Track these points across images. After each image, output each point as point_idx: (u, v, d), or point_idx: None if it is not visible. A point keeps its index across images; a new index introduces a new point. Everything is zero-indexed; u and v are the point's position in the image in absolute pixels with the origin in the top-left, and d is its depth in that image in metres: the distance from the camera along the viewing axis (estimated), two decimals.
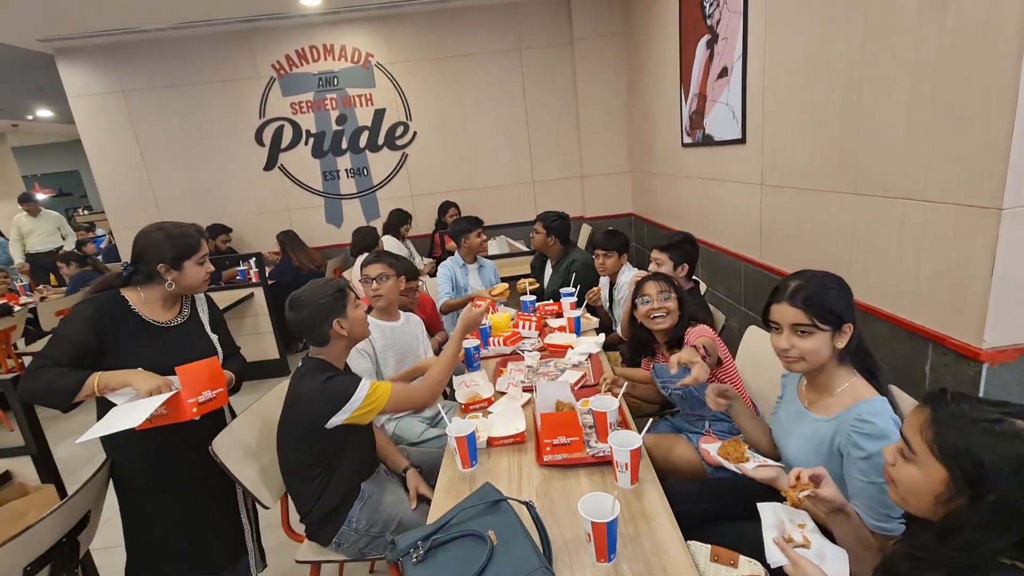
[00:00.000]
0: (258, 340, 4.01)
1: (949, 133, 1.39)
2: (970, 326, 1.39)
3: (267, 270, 4.08)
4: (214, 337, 1.58)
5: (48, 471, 1.63)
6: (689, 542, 1.14)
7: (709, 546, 1.12)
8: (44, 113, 7.63)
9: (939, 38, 1.38)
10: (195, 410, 1.33)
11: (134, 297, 1.45)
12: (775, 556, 0.90)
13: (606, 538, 1.02)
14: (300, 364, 1.50)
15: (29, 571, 1.18)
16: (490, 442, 1.52)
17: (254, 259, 3.98)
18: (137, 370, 1.32)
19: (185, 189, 4.75)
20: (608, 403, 1.46)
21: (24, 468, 1.65)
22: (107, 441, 1.46)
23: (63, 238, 6.21)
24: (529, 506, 1.13)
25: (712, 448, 1.24)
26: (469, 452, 1.41)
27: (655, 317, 1.67)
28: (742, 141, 2.52)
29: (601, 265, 2.55)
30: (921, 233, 1.52)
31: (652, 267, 2.18)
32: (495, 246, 4.30)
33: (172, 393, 1.30)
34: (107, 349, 1.37)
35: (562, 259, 2.97)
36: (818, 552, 0.93)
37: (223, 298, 3.81)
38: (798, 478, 0.98)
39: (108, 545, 1.60)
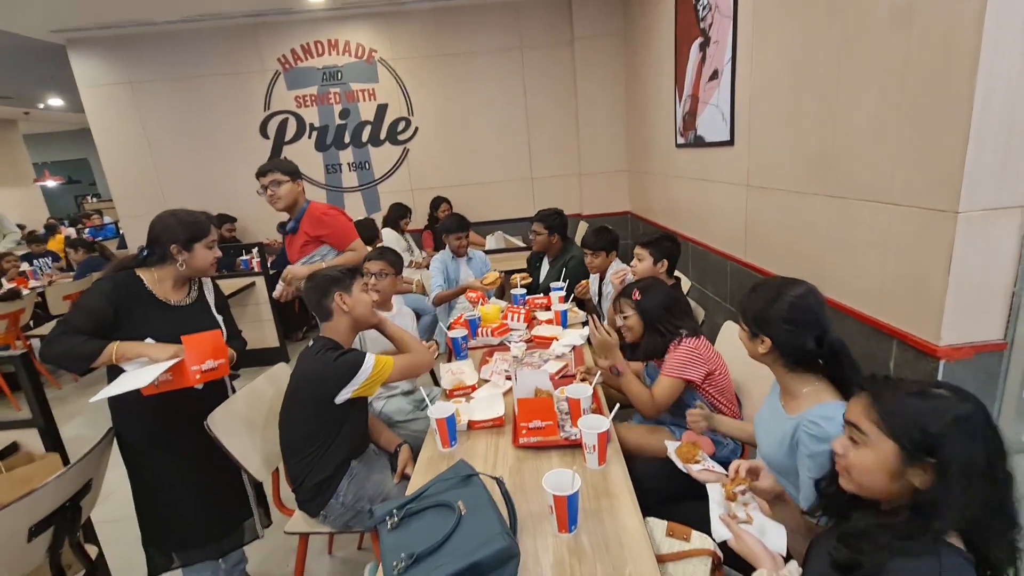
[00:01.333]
0: (259, 328, 4.11)
1: (912, 138, 1.45)
2: (928, 324, 1.46)
3: (268, 260, 4.18)
4: (219, 318, 1.69)
5: (53, 442, 1.73)
6: (647, 518, 1.22)
7: (665, 522, 1.20)
8: (55, 102, 7.75)
9: (905, 47, 1.44)
10: (198, 376, 1.43)
11: (148, 277, 1.56)
12: (720, 531, 0.99)
13: (567, 510, 1.09)
14: (311, 342, 1.60)
15: (34, 531, 1.27)
16: (470, 425, 1.60)
17: (256, 248, 4.08)
18: (152, 342, 1.44)
19: (190, 179, 4.85)
20: (582, 390, 1.54)
21: (31, 440, 1.74)
22: (114, 410, 1.57)
23: (2, 237, 6.10)
24: (499, 481, 1.21)
25: (671, 445, 1.35)
26: (449, 433, 1.49)
27: (622, 332, 1.80)
28: (730, 143, 2.58)
29: (590, 263, 2.62)
30: (886, 234, 1.58)
31: (634, 262, 2.25)
32: (492, 241, 4.38)
33: (178, 360, 1.40)
34: (122, 323, 1.48)
35: (560, 255, 3.03)
36: (759, 527, 1.01)
37: (226, 285, 3.91)
38: (737, 471, 1.07)
39: (114, 518, 1.68)
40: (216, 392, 1.64)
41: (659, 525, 1.20)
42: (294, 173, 2.30)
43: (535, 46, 4.70)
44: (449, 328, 2.28)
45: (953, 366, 1.44)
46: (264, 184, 2.25)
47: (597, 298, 2.72)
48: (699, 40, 2.84)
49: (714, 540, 1.08)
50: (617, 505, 1.21)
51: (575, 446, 1.44)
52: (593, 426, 1.32)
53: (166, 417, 1.56)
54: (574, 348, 2.09)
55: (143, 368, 1.39)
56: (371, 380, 1.51)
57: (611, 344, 1.68)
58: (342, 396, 1.49)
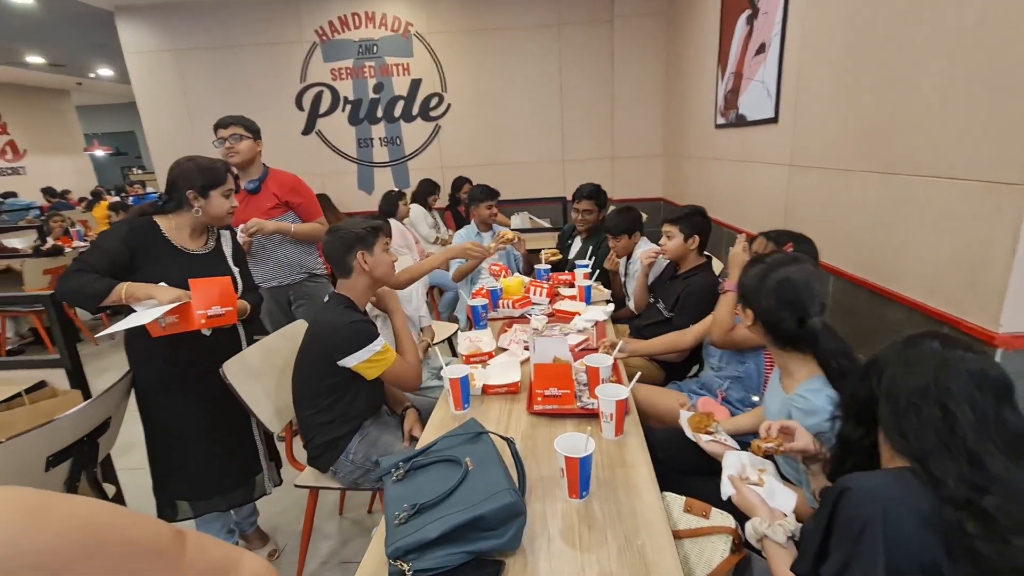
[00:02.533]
0: None
1: (983, 106, 1.32)
2: (987, 309, 1.34)
3: None
4: (235, 269, 1.69)
5: (79, 383, 1.77)
6: (664, 492, 1.16)
7: (684, 498, 1.13)
8: (104, 71, 8.01)
9: (981, 4, 1.31)
10: (203, 321, 1.44)
11: (166, 224, 1.57)
12: (726, 488, 0.94)
13: (579, 474, 1.04)
14: (326, 298, 1.59)
15: (52, 461, 1.29)
16: (485, 390, 1.55)
17: None
18: (160, 284, 1.44)
19: None
20: (602, 359, 1.47)
21: (59, 380, 1.79)
22: (130, 355, 1.58)
23: None
24: (510, 442, 1.16)
25: (685, 414, 1.29)
26: (462, 395, 1.45)
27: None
28: (774, 120, 2.44)
29: (613, 247, 2.53)
30: (943, 212, 1.46)
31: (663, 240, 2.16)
32: (517, 221, 4.32)
33: (183, 302, 1.41)
34: (137, 266, 1.49)
35: (596, 233, 2.92)
36: (768, 490, 0.96)
37: None
38: (768, 430, 1.01)
39: (140, 467, 1.71)
40: (229, 343, 1.64)
41: (677, 500, 1.14)
42: (256, 132, 2.26)
43: (573, 23, 4.57)
44: (471, 298, 2.24)
45: (1011, 355, 1.31)
46: (224, 136, 2.18)
47: (623, 278, 2.63)
48: (747, 12, 2.69)
49: (739, 521, 1.02)
50: (633, 476, 1.15)
51: (591, 416, 1.38)
52: (611, 394, 1.26)
53: (178, 363, 1.56)
54: (596, 323, 2.02)
55: (150, 309, 1.39)
56: (373, 362, 1.48)
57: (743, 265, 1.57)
58: (346, 362, 1.46)
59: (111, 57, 6.86)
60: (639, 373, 1.31)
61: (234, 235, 1.77)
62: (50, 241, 4.81)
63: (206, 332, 1.54)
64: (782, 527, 0.88)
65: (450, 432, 1.19)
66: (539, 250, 2.86)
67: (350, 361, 1.46)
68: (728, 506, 1.05)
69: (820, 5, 2.05)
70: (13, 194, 8.10)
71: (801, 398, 1.13)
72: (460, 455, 1.07)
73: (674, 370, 2.12)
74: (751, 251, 1.67)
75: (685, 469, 1.31)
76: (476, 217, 3.06)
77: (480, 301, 2.13)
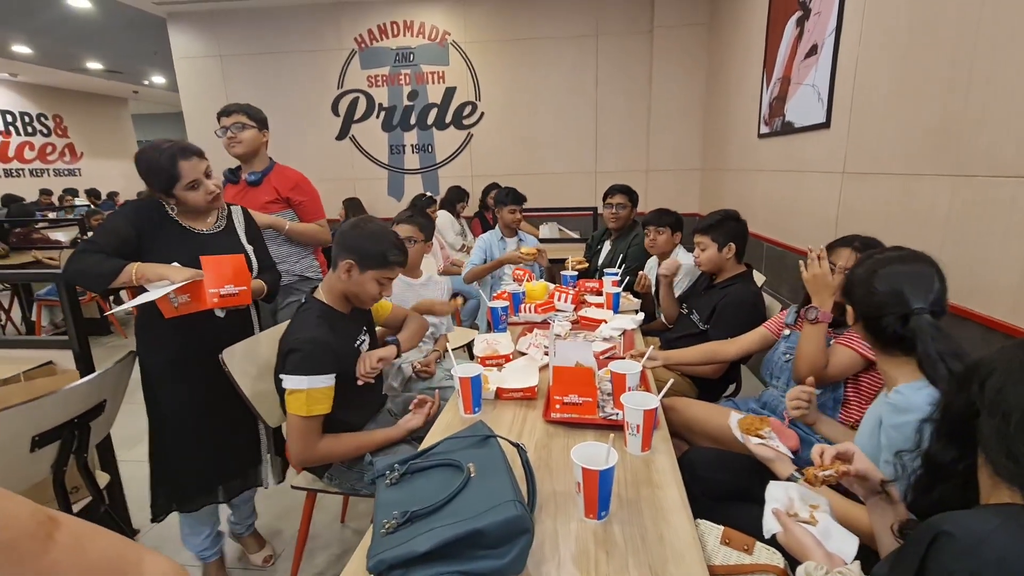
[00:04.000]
0: None
1: None
2: None
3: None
4: (249, 248, 1.61)
5: (86, 366, 1.72)
6: (698, 520, 0.99)
7: (721, 528, 0.97)
8: (158, 79, 8.39)
9: None
10: (216, 300, 1.36)
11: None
12: (770, 524, 0.78)
13: (597, 490, 0.89)
14: (303, 299, 1.48)
15: (37, 441, 1.22)
16: (498, 393, 1.42)
17: None
18: (172, 264, 1.37)
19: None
20: (630, 366, 1.33)
21: (66, 362, 1.75)
22: (139, 337, 1.52)
23: None
24: (520, 448, 1.03)
25: (735, 416, 1.14)
26: (473, 397, 1.32)
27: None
28: (826, 125, 2.27)
29: (652, 242, 2.39)
30: None
31: (696, 252, 2.00)
32: (546, 231, 4.20)
33: (194, 280, 1.34)
34: (146, 247, 1.42)
35: (625, 233, 2.79)
36: (823, 531, 0.79)
37: None
38: (821, 455, 0.85)
39: (144, 459, 1.62)
40: (241, 327, 1.57)
41: (713, 531, 0.97)
42: (262, 122, 2.09)
43: (611, 33, 4.50)
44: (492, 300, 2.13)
45: None
46: (226, 124, 2.02)
47: (655, 287, 2.46)
48: (797, 14, 2.55)
49: (787, 558, 0.85)
50: (661, 498, 0.99)
51: (615, 428, 1.23)
52: (639, 403, 1.11)
53: (188, 346, 1.48)
54: (624, 332, 1.87)
55: (162, 287, 1.32)
56: (295, 396, 1.27)
57: (831, 285, 1.39)
58: (284, 381, 1.28)
59: (164, 65, 7.17)
60: (672, 380, 1.16)
61: (248, 214, 1.70)
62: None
63: (220, 313, 1.47)
64: None
65: (455, 434, 1.06)
66: (564, 259, 2.73)
67: (286, 381, 1.28)
68: (775, 542, 0.88)
69: None
70: (74, 191, 8.45)
71: (897, 394, 0.97)
72: (463, 460, 0.94)
73: (708, 388, 1.94)
74: (838, 268, 1.45)
75: (727, 495, 1.14)
76: (500, 221, 2.96)
77: (500, 303, 2.01)
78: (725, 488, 1.15)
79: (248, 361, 1.47)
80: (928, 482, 0.71)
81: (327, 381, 1.30)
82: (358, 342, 1.51)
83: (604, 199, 2.80)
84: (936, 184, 1.60)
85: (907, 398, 0.94)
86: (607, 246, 2.88)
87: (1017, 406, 0.59)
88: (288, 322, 1.47)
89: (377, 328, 1.73)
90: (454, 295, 3.59)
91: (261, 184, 2.10)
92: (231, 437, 1.61)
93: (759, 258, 3.02)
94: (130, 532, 1.93)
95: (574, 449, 0.94)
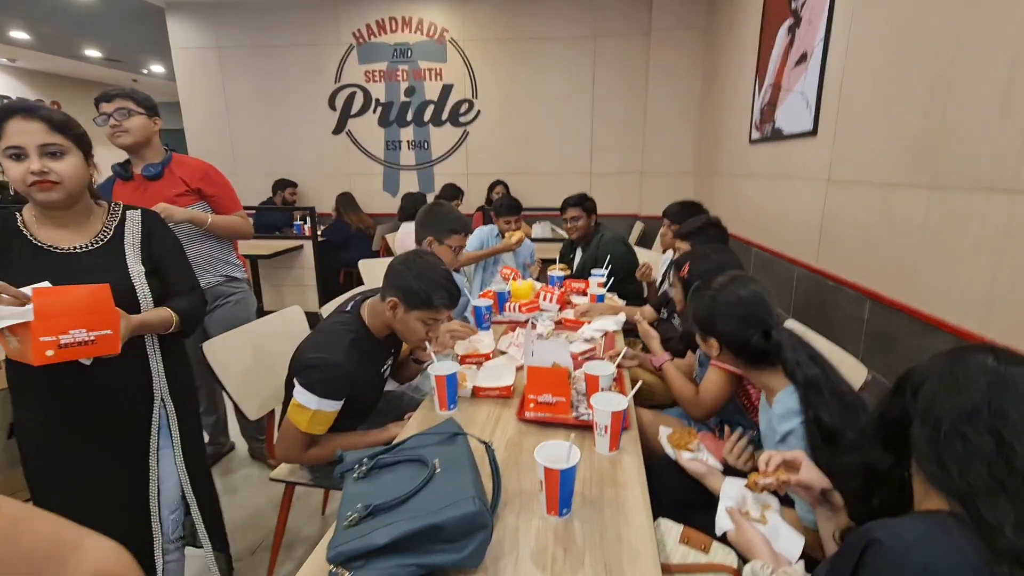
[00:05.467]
0: (300, 292, 4.15)
1: None
2: None
3: (320, 228, 4.24)
4: (139, 270, 1.20)
5: None
6: (660, 519, 1.02)
7: (681, 526, 0.99)
8: (157, 68, 8.36)
9: None
10: (50, 353, 0.95)
11: (28, 216, 1.15)
12: (723, 522, 0.81)
13: (558, 489, 0.92)
14: (349, 306, 1.41)
15: None
16: (475, 392, 1.44)
17: (308, 212, 4.13)
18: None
19: (260, 145, 5.02)
20: (604, 367, 1.35)
21: None
22: (10, 388, 1.18)
23: None
24: (488, 446, 1.05)
25: (665, 429, 1.21)
26: (448, 394, 1.34)
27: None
28: (813, 133, 2.29)
29: (665, 236, 2.43)
30: (1004, 230, 1.29)
31: (675, 256, 2.03)
32: (539, 230, 4.22)
33: (17, 321, 0.93)
34: None
35: (592, 238, 2.84)
36: (773, 530, 0.82)
37: (274, 246, 3.99)
38: (767, 463, 0.87)
39: None
40: (139, 363, 1.20)
41: (672, 530, 1.00)
42: (152, 108, 1.82)
43: (609, 35, 4.51)
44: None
45: None
46: (107, 111, 1.71)
47: (661, 280, 2.48)
48: (789, 21, 2.56)
49: (715, 535, 0.88)
50: (624, 497, 1.01)
51: (587, 428, 1.25)
52: (607, 404, 1.13)
53: (58, 404, 1.14)
54: (605, 334, 1.89)
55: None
56: (295, 412, 1.25)
57: (653, 335, 1.57)
58: (295, 391, 1.25)
59: (163, 55, 7.14)
60: (640, 382, 1.18)
61: (155, 219, 1.29)
62: None
63: (86, 362, 1.06)
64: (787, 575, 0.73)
65: (425, 431, 1.08)
66: (552, 260, 2.77)
67: (297, 393, 1.24)
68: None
69: (867, 7, 1.91)
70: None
71: (778, 404, 1.08)
72: (429, 456, 0.96)
73: None
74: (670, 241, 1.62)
75: (690, 502, 1.17)
76: (498, 226, 3.00)
77: (485, 302, 2.03)
78: (692, 495, 1.18)
79: (224, 353, 1.49)
80: (866, 489, 0.73)
81: (334, 406, 1.28)
82: (384, 368, 1.49)
83: (560, 214, 2.86)
84: (914, 195, 1.63)
85: (785, 405, 1.04)
86: (579, 254, 2.94)
87: (947, 414, 0.61)
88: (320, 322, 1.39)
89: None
90: None
91: (163, 177, 1.82)
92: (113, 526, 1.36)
93: (747, 262, 3.04)
94: None
95: (539, 448, 0.96)
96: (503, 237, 2.96)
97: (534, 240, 3.78)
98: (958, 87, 1.45)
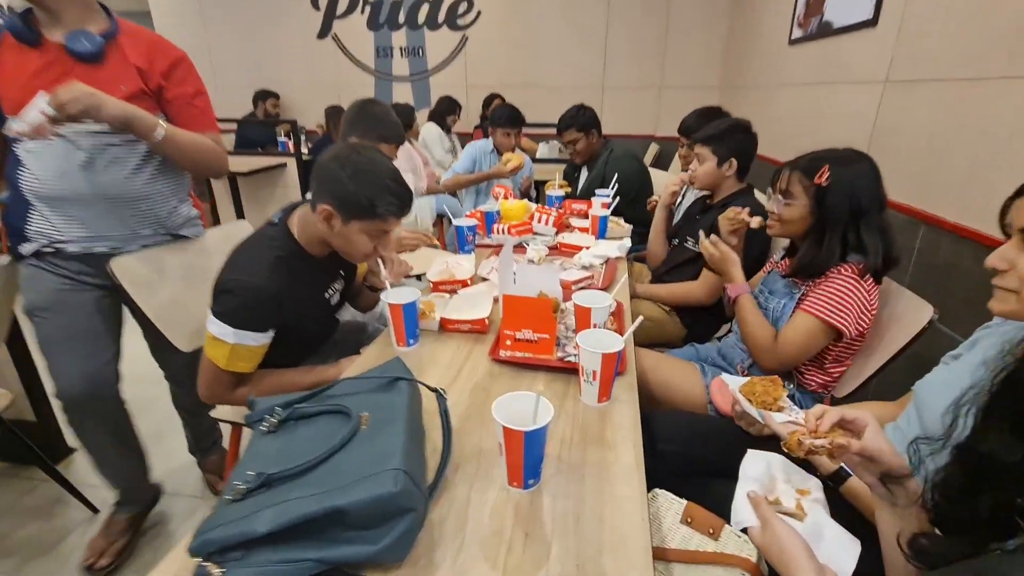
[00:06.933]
0: None
1: None
2: None
3: (307, 146, 3.88)
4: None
5: None
6: (656, 491, 0.80)
7: (684, 502, 0.77)
8: None
9: None
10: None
11: None
12: (743, 513, 0.57)
13: (522, 456, 0.69)
14: (276, 216, 1.12)
15: None
16: (443, 324, 1.20)
17: (291, 125, 3.76)
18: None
19: (240, 51, 4.54)
20: (598, 298, 1.09)
21: None
22: None
23: None
24: (439, 394, 0.82)
25: (734, 381, 0.88)
26: (407, 326, 1.10)
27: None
28: (872, 23, 1.88)
29: (685, 159, 2.07)
30: None
31: (692, 165, 1.70)
32: (544, 150, 3.84)
33: None
34: None
35: (600, 155, 2.47)
36: (813, 530, 0.57)
37: (256, 163, 3.67)
38: (819, 418, 0.62)
39: None
40: None
41: (673, 505, 0.78)
42: None
43: None
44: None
45: None
46: None
47: (677, 217, 2.13)
48: None
49: (730, 525, 0.65)
50: (611, 461, 0.78)
51: (573, 372, 1.01)
52: (597, 343, 0.88)
53: None
54: (607, 261, 1.62)
55: None
56: (211, 343, 1.03)
57: (732, 260, 1.26)
58: (209, 322, 1.03)
59: None
60: (640, 318, 0.93)
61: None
62: None
63: None
64: None
65: (363, 374, 0.85)
66: (545, 181, 2.44)
67: (211, 324, 1.02)
68: None
69: None
70: None
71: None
72: (357, 407, 0.73)
73: (699, 326, 1.70)
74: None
75: (698, 471, 0.94)
76: (494, 140, 2.64)
77: (469, 222, 1.75)
78: (695, 463, 0.95)
79: (142, 274, 1.24)
80: (973, 487, 0.49)
81: (259, 340, 1.04)
82: (329, 293, 1.22)
83: (558, 134, 2.47)
84: (1005, 90, 1.27)
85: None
86: (583, 173, 2.57)
87: None
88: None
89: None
90: (439, 217, 3.32)
91: (105, 59, 1.16)
92: None
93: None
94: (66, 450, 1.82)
95: (498, 402, 0.72)
96: (500, 156, 2.62)
97: (538, 161, 3.42)
98: None
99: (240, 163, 3.65)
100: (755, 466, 0.65)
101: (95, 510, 1.58)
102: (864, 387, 1.13)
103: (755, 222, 1.24)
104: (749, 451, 0.67)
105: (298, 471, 0.63)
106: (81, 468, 1.79)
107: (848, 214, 1.06)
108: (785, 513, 0.59)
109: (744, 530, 0.58)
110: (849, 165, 1.08)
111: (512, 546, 0.64)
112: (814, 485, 0.64)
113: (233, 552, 0.57)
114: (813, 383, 1.15)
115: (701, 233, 1.30)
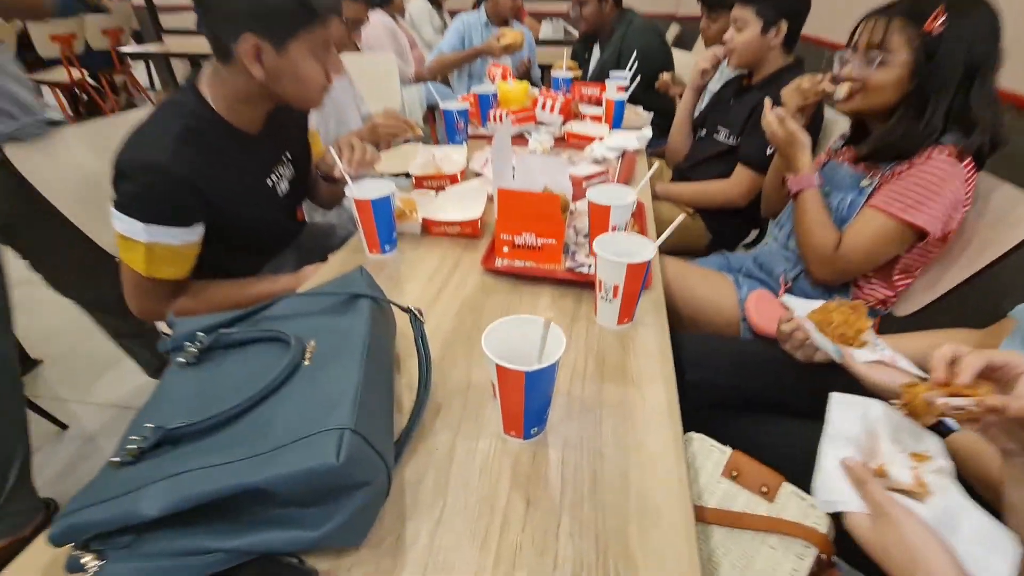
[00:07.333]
0: None
1: None
2: None
3: None
4: None
5: None
6: (691, 434, 0.63)
7: (729, 450, 0.61)
8: None
9: None
10: None
11: None
12: (834, 489, 0.41)
13: (522, 401, 0.51)
14: (182, 87, 0.87)
15: None
16: (426, 227, 0.99)
17: None
18: None
19: None
20: (618, 194, 0.87)
21: None
22: None
23: None
24: (413, 317, 0.63)
25: (799, 306, 0.69)
26: (379, 229, 0.89)
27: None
28: None
29: (705, 31, 1.77)
30: None
31: (729, 33, 1.38)
32: (548, 29, 3.36)
33: None
34: None
35: (616, 28, 2.10)
36: (945, 516, 0.40)
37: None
38: (954, 364, 0.43)
39: None
40: None
41: (711, 452, 0.62)
42: None
43: None
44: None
45: None
46: None
47: (704, 103, 1.81)
48: None
49: (815, 504, 0.49)
50: (636, 401, 0.61)
51: (586, 286, 0.82)
52: (619, 250, 0.67)
53: None
54: (623, 154, 1.37)
55: None
56: (122, 244, 0.81)
57: (801, 143, 0.98)
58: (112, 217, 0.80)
59: None
60: (682, 215, 0.72)
61: None
62: None
63: None
64: None
65: (316, 288, 0.66)
66: (550, 66, 2.09)
67: (114, 220, 0.80)
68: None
69: None
70: None
71: None
72: (301, 332, 0.54)
73: (729, 231, 1.49)
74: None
75: (733, 406, 0.77)
76: (491, 5, 2.24)
77: (460, 106, 1.47)
78: (731, 397, 0.78)
79: (68, 171, 1.00)
80: None
81: (180, 236, 0.82)
82: (272, 179, 0.97)
83: None
84: None
85: None
86: (595, 52, 2.20)
87: None
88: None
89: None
90: (430, 109, 2.96)
91: None
92: None
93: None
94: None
95: (493, 327, 0.53)
96: (492, 24, 2.23)
97: (541, 43, 2.99)
98: None
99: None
100: (845, 417, 0.47)
101: (63, 426, 1.48)
102: (934, 307, 0.94)
103: (844, 89, 0.93)
104: (834, 396, 0.49)
105: (209, 425, 0.45)
106: (49, 381, 1.67)
107: (963, 75, 0.80)
108: (898, 490, 0.42)
109: (837, 514, 0.42)
110: (966, 10, 0.80)
111: (508, 517, 0.48)
112: (934, 447, 0.46)
113: (120, 537, 0.41)
114: (873, 297, 0.96)
115: (767, 102, 1.02)
